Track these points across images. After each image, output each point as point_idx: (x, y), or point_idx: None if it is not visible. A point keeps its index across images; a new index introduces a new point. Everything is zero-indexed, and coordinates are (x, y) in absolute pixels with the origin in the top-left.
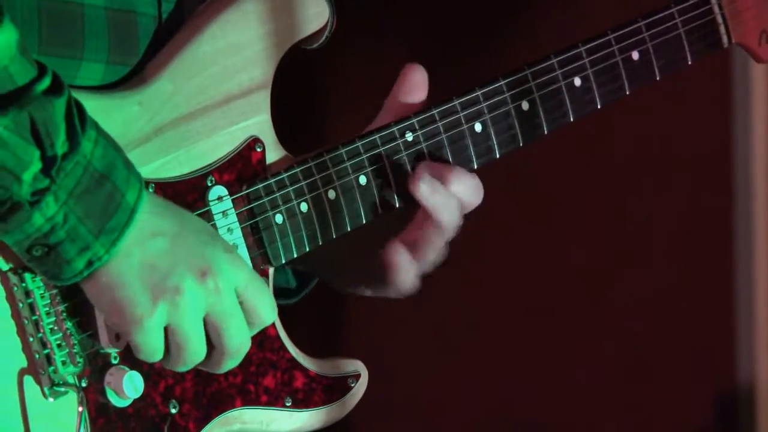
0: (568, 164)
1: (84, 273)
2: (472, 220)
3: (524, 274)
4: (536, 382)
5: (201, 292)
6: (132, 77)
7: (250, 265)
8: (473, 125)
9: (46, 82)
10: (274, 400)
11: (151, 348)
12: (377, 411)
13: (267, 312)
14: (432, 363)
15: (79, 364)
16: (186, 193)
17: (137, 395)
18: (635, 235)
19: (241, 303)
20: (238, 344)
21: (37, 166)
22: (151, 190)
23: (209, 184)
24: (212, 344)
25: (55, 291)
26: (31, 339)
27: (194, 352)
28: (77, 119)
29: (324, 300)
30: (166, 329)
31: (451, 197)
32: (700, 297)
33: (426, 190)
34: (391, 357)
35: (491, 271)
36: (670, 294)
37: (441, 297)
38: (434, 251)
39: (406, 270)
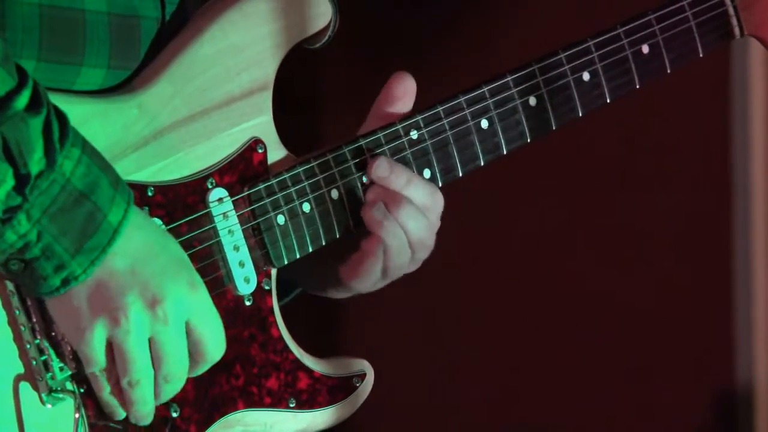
0: (566, 164)
1: (60, 290)
2: (472, 220)
3: (523, 273)
4: (536, 382)
5: (147, 318)
6: (132, 80)
7: (253, 270)
8: (479, 122)
9: (24, 97)
10: (277, 402)
11: (91, 361)
12: (380, 410)
13: (214, 351)
14: (433, 363)
15: (77, 370)
16: (186, 196)
17: None
18: (633, 235)
19: (189, 335)
20: (174, 374)
21: (9, 183)
22: (150, 194)
23: (210, 186)
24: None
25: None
26: (27, 346)
27: (138, 370)
28: (57, 136)
29: (325, 300)
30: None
31: (396, 225)
32: (699, 297)
33: (377, 216)
34: (392, 357)
35: (491, 270)
36: (669, 294)
37: (442, 297)
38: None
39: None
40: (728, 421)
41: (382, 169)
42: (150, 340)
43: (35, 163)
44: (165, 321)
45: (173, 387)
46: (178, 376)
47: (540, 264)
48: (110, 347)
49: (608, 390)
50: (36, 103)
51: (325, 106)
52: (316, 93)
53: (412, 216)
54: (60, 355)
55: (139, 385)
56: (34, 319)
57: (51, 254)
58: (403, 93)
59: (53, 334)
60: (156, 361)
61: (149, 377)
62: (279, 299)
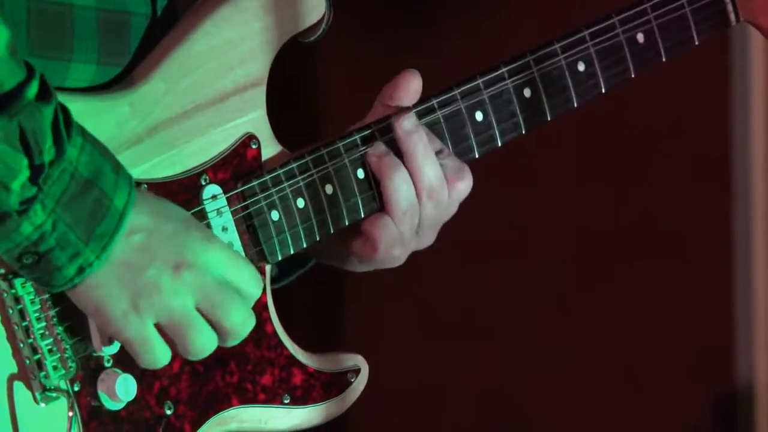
0: (565, 161)
1: (75, 280)
2: (469, 216)
3: (522, 271)
4: (535, 381)
5: (180, 287)
6: (124, 77)
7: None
8: (474, 114)
9: (34, 87)
10: (271, 398)
11: (145, 347)
12: (376, 406)
13: (251, 287)
14: (431, 359)
15: (71, 369)
16: (179, 193)
17: (130, 398)
18: (633, 234)
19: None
20: (240, 320)
21: (25, 174)
22: (144, 188)
23: (203, 183)
24: (215, 327)
25: (45, 296)
26: (21, 345)
27: (202, 341)
28: (63, 125)
29: (323, 295)
30: (161, 330)
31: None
32: (699, 296)
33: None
34: (389, 352)
35: (489, 267)
36: (669, 293)
37: (439, 294)
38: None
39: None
40: (728, 421)
41: (409, 122)
42: (198, 308)
43: (47, 151)
44: (197, 281)
45: (244, 333)
46: (247, 322)
47: (538, 263)
48: (160, 329)
49: (608, 389)
50: (45, 92)
51: (319, 101)
52: (310, 88)
53: (430, 161)
54: (54, 355)
55: (205, 351)
56: (28, 319)
57: (65, 243)
58: (411, 91)
59: (57, 333)
60: (216, 322)
61: (213, 342)
62: (288, 275)
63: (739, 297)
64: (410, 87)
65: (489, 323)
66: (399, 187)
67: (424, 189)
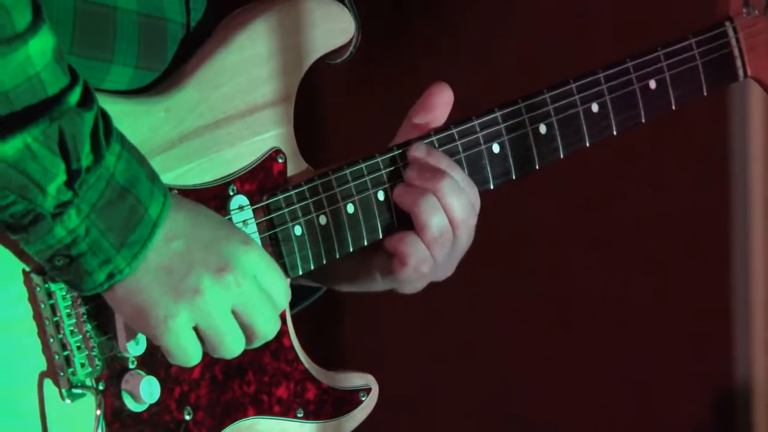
0: (565, 163)
1: (104, 285)
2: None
3: (522, 274)
4: (535, 382)
5: (221, 289)
6: (159, 83)
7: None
8: (491, 146)
9: (76, 93)
10: (286, 411)
11: (182, 350)
12: (381, 418)
13: (282, 295)
14: (434, 367)
15: (98, 367)
16: (208, 201)
17: (153, 401)
18: (632, 235)
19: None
20: (271, 327)
21: (62, 178)
22: (175, 194)
23: (231, 193)
24: (245, 330)
25: (77, 293)
26: (51, 340)
27: (232, 343)
28: (102, 132)
29: (327, 308)
30: (197, 330)
31: (436, 202)
32: (698, 296)
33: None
34: (393, 363)
35: (490, 271)
36: (668, 293)
37: (441, 300)
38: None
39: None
40: (727, 420)
41: (420, 151)
42: (234, 311)
43: (84, 157)
44: (238, 284)
45: (267, 340)
46: (275, 328)
47: (539, 264)
48: (196, 330)
49: (607, 389)
50: (87, 99)
51: (343, 119)
52: (336, 106)
53: (455, 191)
54: (82, 352)
55: (234, 353)
56: (59, 314)
57: (98, 249)
58: (440, 103)
59: (86, 330)
60: (247, 326)
61: (242, 346)
62: (300, 302)
63: (738, 297)
64: (440, 102)
65: (490, 327)
66: (429, 215)
67: (456, 219)
